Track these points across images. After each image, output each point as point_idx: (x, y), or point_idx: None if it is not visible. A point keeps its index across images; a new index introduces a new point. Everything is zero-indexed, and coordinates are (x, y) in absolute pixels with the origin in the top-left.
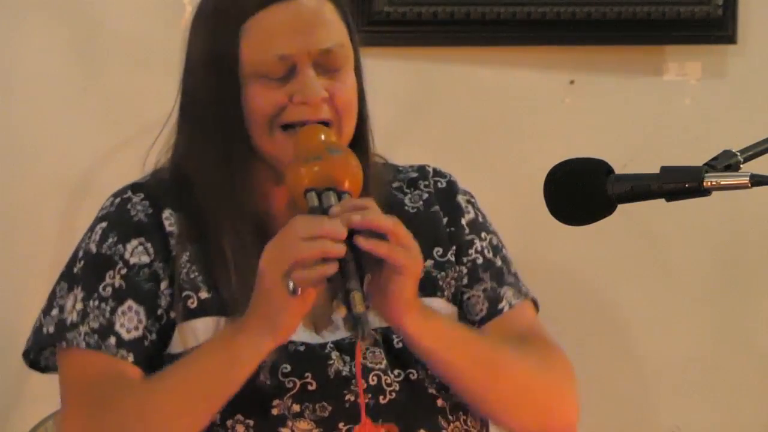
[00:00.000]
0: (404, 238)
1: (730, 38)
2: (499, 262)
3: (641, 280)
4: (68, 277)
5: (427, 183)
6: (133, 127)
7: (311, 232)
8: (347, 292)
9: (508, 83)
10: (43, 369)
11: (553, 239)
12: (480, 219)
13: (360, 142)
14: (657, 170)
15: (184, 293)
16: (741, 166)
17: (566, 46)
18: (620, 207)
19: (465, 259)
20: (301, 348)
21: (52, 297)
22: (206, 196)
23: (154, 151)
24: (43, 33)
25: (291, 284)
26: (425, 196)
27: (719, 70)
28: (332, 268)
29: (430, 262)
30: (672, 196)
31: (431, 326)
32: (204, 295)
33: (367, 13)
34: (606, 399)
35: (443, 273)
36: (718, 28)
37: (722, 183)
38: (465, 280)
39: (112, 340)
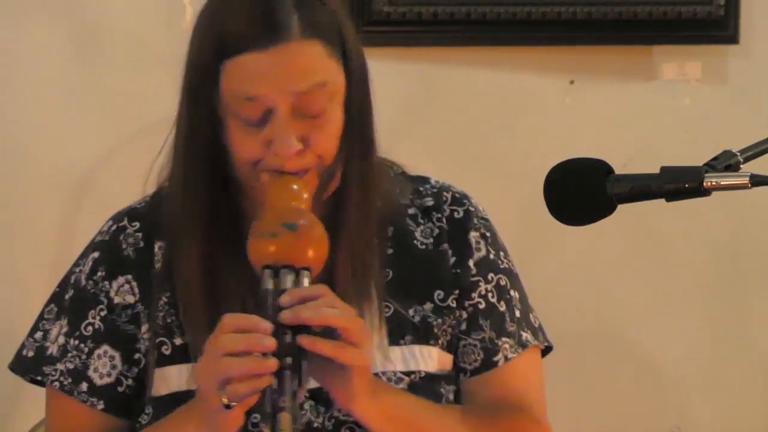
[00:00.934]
0: (355, 335)
1: (731, 38)
2: (502, 308)
3: (641, 280)
4: (58, 303)
5: (440, 215)
6: (132, 127)
7: (240, 347)
8: (275, 412)
9: (508, 83)
10: (41, 383)
11: (553, 239)
12: (491, 256)
13: (357, 151)
14: (657, 170)
15: (159, 339)
16: (741, 166)
17: (566, 46)
18: (620, 207)
19: (467, 303)
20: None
21: (40, 318)
22: (179, 227)
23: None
24: (42, 33)
25: (225, 400)
26: (436, 231)
27: (720, 71)
28: (264, 382)
29: (429, 306)
30: (672, 196)
31: (382, 410)
32: (178, 341)
33: (366, 13)
34: (606, 398)
35: (440, 320)
36: (719, 28)
37: (722, 183)
38: (464, 326)
39: (84, 386)
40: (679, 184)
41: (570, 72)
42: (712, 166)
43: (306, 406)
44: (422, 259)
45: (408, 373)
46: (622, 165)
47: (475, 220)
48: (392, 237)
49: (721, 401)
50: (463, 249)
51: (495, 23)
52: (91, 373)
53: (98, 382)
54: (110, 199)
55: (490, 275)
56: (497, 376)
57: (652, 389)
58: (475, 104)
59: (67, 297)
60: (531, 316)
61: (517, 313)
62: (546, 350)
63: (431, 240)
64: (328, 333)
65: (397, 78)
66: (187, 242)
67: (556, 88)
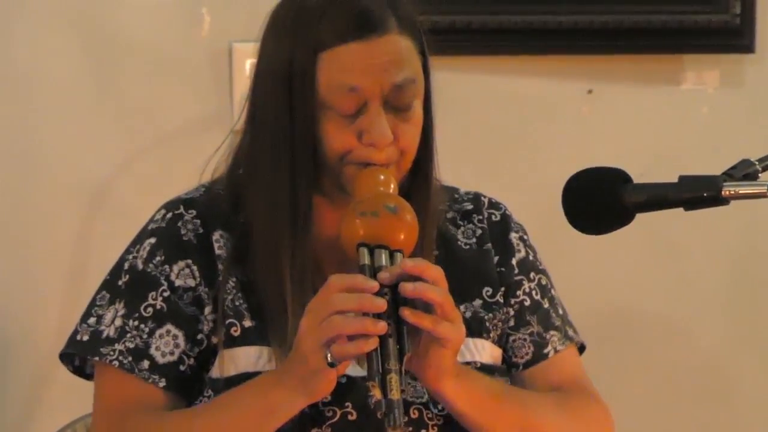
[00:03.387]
0: (450, 312)
1: (748, 47)
2: (546, 304)
3: (659, 289)
4: (111, 289)
5: (480, 217)
6: (149, 135)
7: (351, 305)
8: (384, 374)
9: (525, 92)
10: (88, 377)
11: (570, 248)
12: (530, 257)
13: (424, 170)
14: (675, 179)
15: (228, 320)
16: (759, 175)
17: (584, 55)
18: (638, 216)
19: (513, 301)
20: (343, 380)
21: (92, 304)
22: (264, 221)
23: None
24: (60, 41)
25: (329, 357)
26: (479, 232)
27: (737, 79)
28: (372, 345)
29: (478, 302)
30: (690, 205)
31: (468, 391)
32: (248, 323)
33: None
34: (624, 408)
35: (491, 314)
36: (735, 36)
37: (740, 192)
38: (512, 322)
39: (146, 363)
40: (698, 193)
41: (588, 81)
42: (731, 175)
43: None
44: (467, 258)
45: (465, 364)
46: (639, 174)
47: (513, 224)
48: (437, 240)
49: (739, 411)
50: (506, 248)
51: (512, 32)
52: (153, 351)
53: (160, 360)
54: (127, 208)
55: (532, 274)
56: (549, 367)
57: (670, 399)
58: (493, 113)
59: (120, 282)
60: (568, 315)
61: (560, 311)
62: (581, 349)
63: (474, 240)
64: (423, 310)
65: None
66: (275, 232)
67: (573, 96)
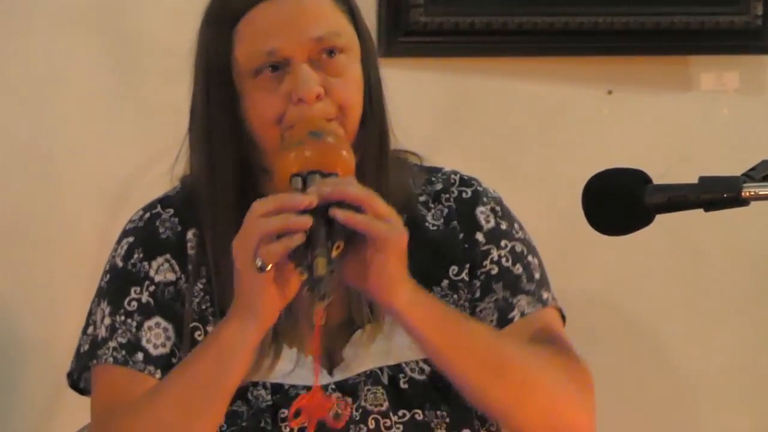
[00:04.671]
0: (382, 210)
1: None
2: (518, 270)
3: (678, 291)
4: (98, 292)
5: (448, 196)
6: (170, 137)
7: (272, 207)
8: (312, 259)
9: (546, 94)
10: (82, 391)
11: (590, 249)
12: (503, 227)
13: (374, 139)
14: (695, 180)
15: (192, 324)
16: None
17: (604, 56)
18: (658, 217)
19: (479, 272)
20: (303, 391)
21: (89, 314)
22: (207, 215)
23: (181, 159)
24: (82, 45)
25: (258, 261)
26: (446, 211)
27: (757, 80)
28: (297, 239)
29: (445, 282)
30: (710, 206)
31: (423, 306)
32: (211, 328)
33: (403, 23)
34: (643, 411)
35: (455, 295)
36: (756, 38)
37: (760, 193)
38: (477, 293)
39: (140, 355)
40: (718, 194)
41: (608, 82)
42: (751, 176)
43: (334, 397)
44: (434, 240)
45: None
46: (659, 175)
47: (484, 198)
48: (406, 224)
49: (759, 413)
50: (471, 224)
51: (532, 33)
52: (144, 343)
53: (153, 352)
54: None
55: (504, 242)
56: (516, 330)
57: (690, 401)
58: (513, 114)
59: (103, 283)
60: (548, 282)
61: (537, 276)
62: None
63: (441, 221)
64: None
65: (433, 88)
66: (222, 229)
67: (593, 98)
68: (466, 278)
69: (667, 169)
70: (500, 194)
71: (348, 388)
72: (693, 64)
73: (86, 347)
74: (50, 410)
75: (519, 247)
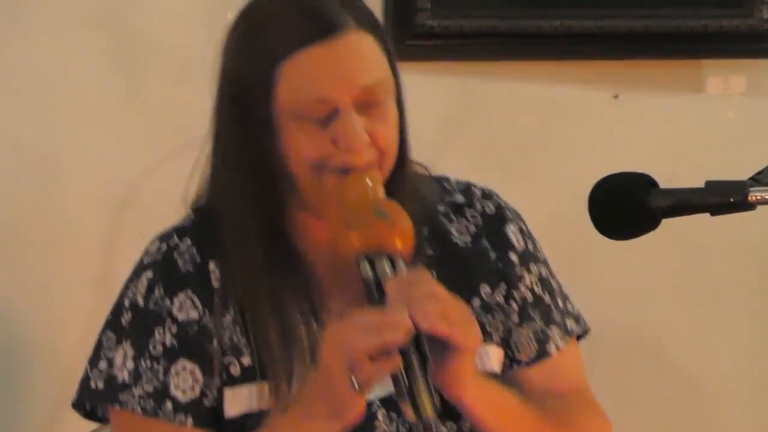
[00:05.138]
0: (464, 318)
1: None
2: (547, 298)
3: (685, 295)
4: (115, 328)
5: (473, 212)
6: (175, 140)
7: (372, 324)
8: (413, 391)
9: (551, 97)
10: (101, 419)
11: (595, 253)
12: (529, 247)
13: (399, 161)
14: (701, 184)
15: (227, 359)
16: None
17: (609, 60)
18: (664, 221)
19: (515, 295)
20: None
21: (99, 347)
22: (235, 246)
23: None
24: (86, 46)
25: (356, 383)
26: (473, 228)
27: (763, 84)
28: (395, 362)
29: (477, 302)
30: (716, 210)
31: (487, 397)
32: (246, 360)
33: (410, 26)
34: (648, 415)
35: (490, 316)
36: (761, 41)
37: (767, 197)
38: (515, 318)
39: (169, 404)
40: (724, 198)
41: (613, 86)
42: (757, 180)
43: (379, 415)
44: (463, 256)
45: None
46: (666, 179)
47: (508, 214)
48: (429, 237)
49: (765, 417)
50: (503, 244)
51: (538, 37)
52: (173, 390)
53: (182, 398)
54: (153, 213)
55: (532, 266)
56: (551, 366)
57: (695, 404)
58: (518, 118)
59: (123, 321)
60: (569, 303)
61: (560, 302)
62: (582, 334)
63: (469, 238)
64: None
65: (440, 91)
66: (251, 259)
67: (599, 101)
68: (501, 300)
69: (673, 173)
70: (507, 198)
71: (391, 404)
72: (699, 68)
73: (101, 384)
74: (54, 414)
75: (544, 272)
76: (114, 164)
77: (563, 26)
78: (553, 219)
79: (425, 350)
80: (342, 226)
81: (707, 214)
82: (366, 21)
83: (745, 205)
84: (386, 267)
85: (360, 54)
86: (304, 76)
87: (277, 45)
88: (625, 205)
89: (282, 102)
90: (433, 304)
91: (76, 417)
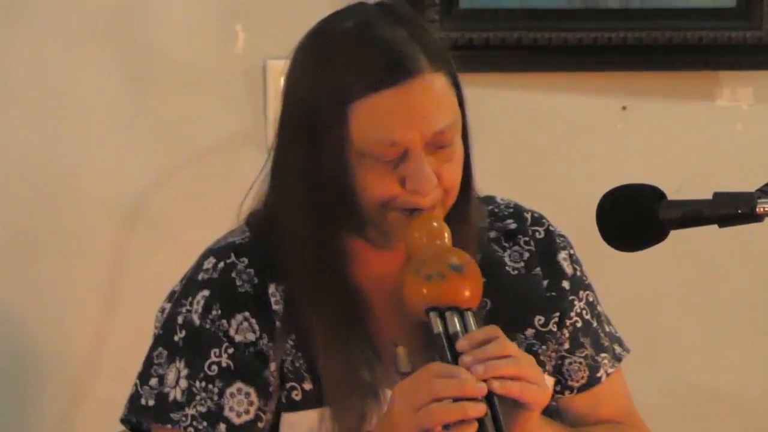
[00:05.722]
0: (534, 376)
1: None
2: (595, 323)
3: (693, 306)
4: (168, 345)
5: (527, 238)
6: (184, 153)
7: (452, 392)
8: None
9: (560, 109)
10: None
11: (604, 265)
12: (578, 273)
13: (463, 193)
14: (709, 196)
15: (289, 384)
16: None
17: (618, 71)
18: (672, 232)
19: (567, 323)
20: None
21: (149, 363)
22: (300, 270)
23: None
24: (96, 58)
25: None
26: (526, 255)
27: None
28: (473, 428)
29: (531, 332)
30: (725, 221)
31: None
32: (308, 386)
33: None
34: (658, 427)
35: (544, 346)
36: None
37: None
38: (566, 345)
39: (222, 427)
40: (732, 209)
41: (622, 97)
42: (765, 191)
43: None
44: (516, 285)
45: None
46: (674, 190)
47: (558, 240)
48: (482, 265)
49: None
50: (555, 271)
51: (546, 49)
52: (227, 412)
53: (236, 421)
54: (162, 225)
55: (581, 293)
56: (602, 392)
57: (704, 416)
58: (527, 129)
59: (177, 339)
60: (613, 328)
61: (607, 328)
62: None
63: (522, 264)
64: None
65: None
66: (321, 294)
67: (608, 113)
68: (554, 329)
69: (681, 185)
70: None
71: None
72: (707, 80)
73: (152, 402)
74: (64, 424)
75: (591, 297)
76: (123, 175)
77: (571, 38)
78: (561, 229)
79: (498, 415)
80: (413, 274)
81: (716, 226)
82: (439, 58)
83: (753, 217)
84: (456, 322)
85: (433, 97)
86: (376, 119)
87: (350, 84)
88: (634, 217)
89: (352, 140)
90: (507, 366)
91: (84, 426)
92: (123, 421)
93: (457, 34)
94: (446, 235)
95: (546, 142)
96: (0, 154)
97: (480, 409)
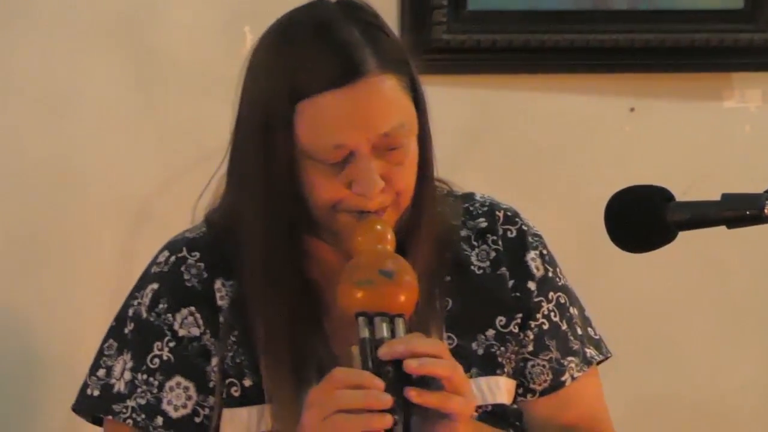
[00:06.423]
0: (460, 384)
1: None
2: (564, 326)
3: (702, 308)
4: (117, 337)
5: (495, 237)
6: (191, 154)
7: (357, 404)
8: None
9: (567, 111)
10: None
11: (612, 267)
12: (549, 274)
13: (421, 185)
14: (718, 197)
15: (229, 380)
16: None
17: (626, 73)
18: (681, 234)
19: (532, 324)
20: None
21: (100, 353)
22: (251, 267)
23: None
24: (103, 59)
25: None
26: (492, 254)
27: None
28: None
29: (491, 332)
30: (733, 223)
31: None
32: (248, 382)
33: (425, 41)
34: (667, 428)
35: (503, 348)
36: None
37: None
38: (530, 347)
39: (159, 420)
40: (740, 211)
41: (630, 99)
42: None
43: None
44: (481, 284)
45: (476, 408)
46: (682, 192)
47: (530, 239)
48: (449, 263)
49: None
50: (522, 271)
51: (554, 51)
52: (165, 406)
53: (173, 414)
54: (169, 227)
55: (550, 294)
56: (567, 396)
57: (713, 419)
58: (535, 131)
59: (126, 331)
60: (590, 329)
61: (579, 330)
62: (603, 360)
63: (488, 263)
64: (428, 382)
65: (455, 105)
66: (263, 285)
67: (616, 115)
68: (515, 330)
69: (689, 186)
70: (524, 211)
71: None
72: (715, 81)
73: (97, 392)
74: (69, 426)
75: (563, 299)
76: (131, 178)
77: (579, 40)
78: (569, 232)
79: (410, 427)
80: (346, 279)
81: (724, 227)
82: (390, 60)
83: (762, 218)
84: (384, 329)
85: (380, 99)
86: (321, 121)
87: (297, 83)
88: (642, 218)
89: (299, 140)
90: (441, 366)
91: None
92: (74, 410)
93: (464, 37)
94: (389, 238)
95: (554, 143)
96: (7, 156)
97: (386, 421)
